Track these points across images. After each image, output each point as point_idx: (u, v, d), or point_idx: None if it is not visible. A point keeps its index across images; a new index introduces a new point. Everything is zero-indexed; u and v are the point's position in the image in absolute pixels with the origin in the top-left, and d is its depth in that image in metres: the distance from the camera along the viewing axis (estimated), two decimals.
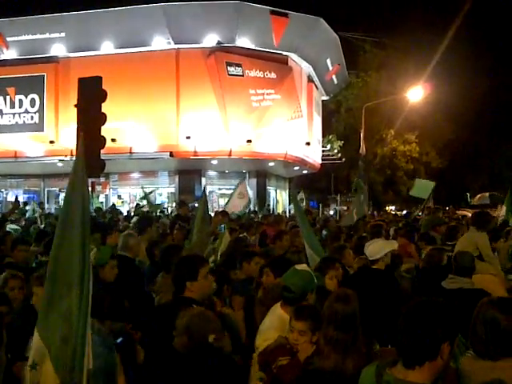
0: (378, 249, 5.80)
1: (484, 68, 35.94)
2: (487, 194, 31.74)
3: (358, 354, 3.18)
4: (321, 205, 29.14)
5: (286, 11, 23.64)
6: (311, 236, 6.87)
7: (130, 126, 23.09)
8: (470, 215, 14.61)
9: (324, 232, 11.52)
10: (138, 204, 20.67)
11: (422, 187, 15.86)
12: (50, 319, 2.70)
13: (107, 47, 23.93)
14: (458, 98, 34.44)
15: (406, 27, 34.64)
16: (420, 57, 32.87)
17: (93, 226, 4.84)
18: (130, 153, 23.28)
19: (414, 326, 2.39)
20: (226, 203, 16.75)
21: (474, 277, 6.41)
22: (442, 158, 37.34)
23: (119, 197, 27.40)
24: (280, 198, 32.33)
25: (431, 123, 34.92)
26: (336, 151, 33.36)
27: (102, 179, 23.12)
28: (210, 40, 23.41)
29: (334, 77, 30.78)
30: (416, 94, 28.28)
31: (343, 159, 33.84)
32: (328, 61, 28.50)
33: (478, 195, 33.24)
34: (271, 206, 27.57)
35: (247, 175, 27.47)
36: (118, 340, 4.03)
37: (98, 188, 22.71)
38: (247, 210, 17.24)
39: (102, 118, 8.93)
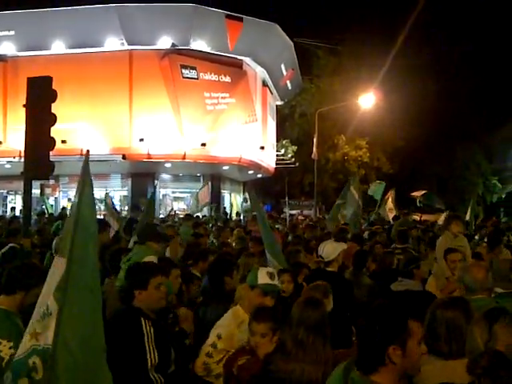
0: (332, 249, 5.94)
1: (433, 76, 36.95)
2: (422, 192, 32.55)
3: (326, 359, 3.18)
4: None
5: (241, 16, 23.73)
6: (271, 239, 6.88)
7: (82, 127, 22.66)
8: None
9: (289, 237, 11.58)
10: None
11: (376, 189, 16.29)
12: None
13: (58, 47, 23.41)
14: (408, 104, 35.29)
15: (358, 35, 35.27)
16: (372, 64, 33.53)
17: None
18: (81, 155, 22.77)
19: (361, 333, 2.43)
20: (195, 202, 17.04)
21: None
22: (392, 164, 38.16)
23: (69, 200, 26.77)
24: (234, 202, 32.34)
25: (382, 129, 35.66)
26: (290, 156, 33.66)
27: (52, 182, 22.54)
28: (165, 42, 23.24)
29: (288, 82, 31.08)
30: (367, 100, 28.82)
31: (297, 164, 34.15)
32: (282, 66, 28.76)
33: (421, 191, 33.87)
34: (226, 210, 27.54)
35: (201, 179, 27.38)
36: None
37: (48, 191, 22.11)
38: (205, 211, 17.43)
39: (52, 119, 8.72)
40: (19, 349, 2.75)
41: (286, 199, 29.44)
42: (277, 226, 14.18)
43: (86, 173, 2.95)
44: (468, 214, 16.00)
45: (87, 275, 2.67)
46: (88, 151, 3.18)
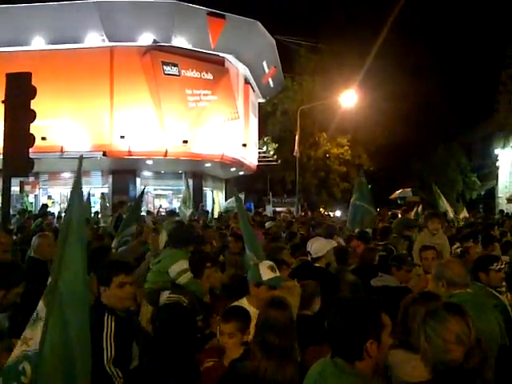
0: (321, 246, 6.00)
1: (414, 75, 37.28)
2: (409, 189, 32.90)
3: (294, 361, 3.18)
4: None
5: (223, 13, 23.67)
6: (251, 238, 6.91)
7: (62, 124, 22.43)
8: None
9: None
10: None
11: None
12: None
13: (38, 42, 23.13)
14: (389, 102, 35.61)
15: (339, 33, 35.58)
16: (353, 62, 33.73)
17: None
18: (61, 152, 22.61)
19: (335, 329, 2.47)
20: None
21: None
22: (374, 161, 38.44)
23: (49, 197, 26.55)
24: (217, 199, 32.30)
25: (363, 127, 35.92)
26: (272, 153, 33.73)
27: (32, 179, 22.30)
28: (146, 39, 23.11)
29: (270, 80, 31.10)
30: (349, 98, 29.00)
31: (279, 161, 34.25)
32: (264, 63, 28.77)
33: (400, 190, 34.23)
34: (209, 208, 27.49)
35: (183, 176, 27.30)
36: None
37: (27, 188, 21.88)
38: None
39: (32, 116, 8.66)
40: (11, 355, 2.75)
41: (270, 196, 29.50)
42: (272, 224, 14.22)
43: (79, 177, 2.94)
44: (449, 210, 16.24)
45: (75, 279, 2.68)
46: (81, 156, 3.18)
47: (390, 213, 17.93)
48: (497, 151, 35.62)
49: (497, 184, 36.39)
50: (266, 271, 4.22)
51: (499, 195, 35.61)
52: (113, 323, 3.38)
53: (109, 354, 3.27)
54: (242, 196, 23.98)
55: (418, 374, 2.69)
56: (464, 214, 19.75)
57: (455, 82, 39.66)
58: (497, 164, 36.04)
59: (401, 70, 36.44)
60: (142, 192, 10.39)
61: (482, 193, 40.23)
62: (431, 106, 40.29)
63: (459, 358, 2.28)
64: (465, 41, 41.97)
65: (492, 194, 37.56)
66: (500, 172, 35.75)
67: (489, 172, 38.60)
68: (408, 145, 39.39)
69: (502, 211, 25.78)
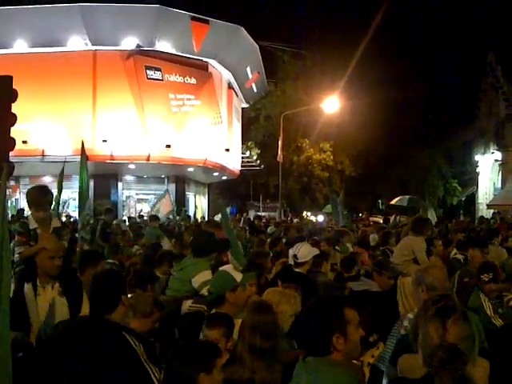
0: (307, 252, 5.99)
1: (396, 81, 37.66)
2: (407, 196, 33.08)
3: (281, 363, 3.20)
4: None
5: (207, 18, 23.71)
6: (234, 241, 6.96)
7: (43, 128, 22.27)
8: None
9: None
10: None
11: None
12: None
13: (20, 46, 22.93)
14: (371, 108, 35.89)
15: (322, 39, 35.84)
16: (336, 68, 33.97)
17: None
18: (43, 155, 22.43)
19: (301, 328, 2.56)
20: (154, 206, 16.96)
21: (408, 279, 6.80)
22: (355, 167, 38.68)
23: None
24: (199, 204, 32.26)
25: (345, 133, 36.13)
26: (255, 158, 33.78)
27: (12, 183, 22.10)
28: (129, 43, 23.05)
29: (253, 85, 31.19)
30: (331, 104, 29.19)
31: (262, 166, 34.32)
32: (248, 69, 28.85)
33: (399, 197, 34.47)
34: (191, 212, 27.42)
35: (166, 180, 27.23)
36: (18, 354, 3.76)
37: (8, 192, 21.65)
38: (171, 217, 17.33)
39: (12, 119, 8.56)
40: None
41: (253, 201, 29.53)
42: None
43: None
44: (433, 216, 16.41)
45: None
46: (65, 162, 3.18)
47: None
48: (477, 157, 36.09)
49: (477, 190, 36.84)
50: (236, 274, 4.22)
51: (479, 201, 36.05)
52: (141, 345, 3.10)
53: (157, 375, 3.02)
54: (229, 209, 23.96)
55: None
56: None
57: (436, 89, 40.13)
58: (477, 170, 36.50)
59: (383, 76, 36.82)
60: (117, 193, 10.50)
61: (463, 198, 40.70)
62: (413, 112, 40.72)
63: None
64: (446, 48, 42.55)
65: (472, 199, 38.01)
66: (480, 178, 36.21)
67: (469, 178, 39.07)
68: (389, 151, 39.76)
69: (482, 217, 26.09)
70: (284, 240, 11.40)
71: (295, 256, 6.05)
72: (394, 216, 16.96)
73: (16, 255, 4.70)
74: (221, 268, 4.42)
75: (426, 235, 8.15)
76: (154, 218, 13.11)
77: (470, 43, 38.68)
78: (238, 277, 4.20)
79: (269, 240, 10.57)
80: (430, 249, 8.07)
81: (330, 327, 2.49)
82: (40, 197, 5.16)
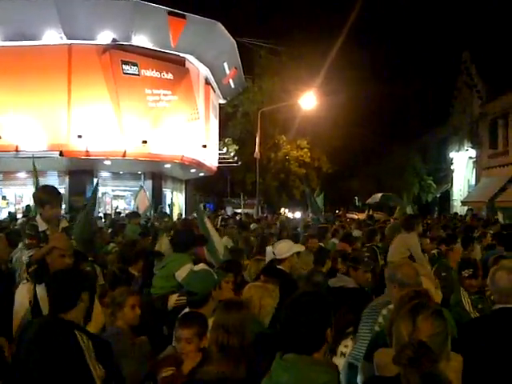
0: (286, 248, 5.98)
1: (372, 79, 38.02)
2: (379, 194, 33.41)
3: (249, 360, 3.22)
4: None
5: (184, 13, 23.55)
6: (210, 242, 6.93)
7: (18, 123, 21.90)
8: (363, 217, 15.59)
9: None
10: (28, 205, 19.69)
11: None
12: None
13: None
14: (348, 105, 36.19)
15: (299, 35, 35.86)
16: (312, 65, 34.11)
17: None
18: (17, 151, 22.06)
19: (298, 320, 2.51)
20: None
21: None
22: (332, 164, 38.92)
23: (4, 197, 25.85)
24: (176, 201, 32.08)
25: (322, 129, 36.33)
26: (232, 154, 33.73)
27: None
28: (105, 37, 22.77)
29: (231, 81, 31.09)
30: (308, 100, 29.26)
31: (239, 163, 34.28)
32: (225, 64, 28.73)
33: (372, 196, 34.90)
34: (168, 209, 27.25)
35: (142, 177, 27.02)
36: None
37: None
38: (148, 214, 17.21)
39: None
40: None
41: (231, 198, 29.51)
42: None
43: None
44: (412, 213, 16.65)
45: None
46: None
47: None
48: (452, 155, 36.55)
49: (451, 187, 37.34)
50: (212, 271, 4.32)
51: (454, 198, 36.55)
52: (90, 342, 3.16)
53: (98, 372, 3.09)
54: (206, 209, 23.90)
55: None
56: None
57: (412, 87, 40.55)
58: (451, 167, 36.98)
59: (359, 73, 37.12)
60: (95, 192, 10.29)
61: (438, 195, 41.20)
62: (388, 109, 41.14)
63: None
64: (421, 47, 42.98)
65: (447, 196, 38.51)
66: (455, 175, 36.70)
67: (444, 175, 39.57)
68: (366, 148, 40.12)
69: (456, 213, 26.47)
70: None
71: (273, 252, 6.05)
72: (366, 212, 17.23)
73: (26, 258, 4.61)
74: (196, 268, 4.38)
75: (418, 231, 8.26)
76: (134, 215, 13.05)
77: (446, 42, 39.13)
78: (214, 274, 4.23)
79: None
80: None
81: (328, 319, 2.56)
82: (55, 194, 5.07)
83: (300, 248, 6.23)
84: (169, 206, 18.06)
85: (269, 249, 6.27)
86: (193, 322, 3.54)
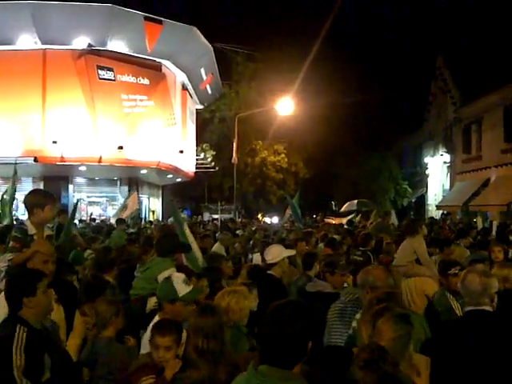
0: (277, 253, 5.98)
1: (348, 85, 38.39)
2: (355, 201, 33.64)
3: (228, 362, 3.24)
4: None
5: (161, 18, 23.50)
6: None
7: None
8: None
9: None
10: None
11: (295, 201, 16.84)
12: None
13: None
14: (324, 111, 36.47)
15: (275, 41, 36.16)
16: (289, 71, 34.30)
17: None
18: None
19: (280, 331, 2.35)
20: (121, 210, 16.79)
21: (413, 279, 6.91)
22: (309, 169, 39.12)
23: None
24: (153, 207, 31.91)
25: (299, 135, 36.52)
26: (209, 160, 33.68)
27: None
28: (81, 42, 22.60)
29: (207, 86, 31.09)
30: (285, 106, 29.38)
31: (216, 168, 34.25)
32: (202, 70, 28.73)
33: (347, 203, 35.13)
34: (144, 215, 27.08)
35: (118, 183, 26.81)
36: None
37: None
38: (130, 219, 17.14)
39: None
40: None
41: (208, 203, 29.44)
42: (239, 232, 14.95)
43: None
44: (395, 218, 16.78)
45: None
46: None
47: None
48: (427, 159, 36.95)
49: (426, 191, 37.73)
50: (181, 287, 4.02)
51: (429, 202, 36.96)
52: (25, 335, 3.29)
53: (18, 362, 3.19)
54: (184, 214, 23.80)
55: None
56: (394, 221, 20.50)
57: (388, 92, 41.05)
58: (426, 172, 37.40)
59: (335, 79, 37.48)
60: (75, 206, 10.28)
61: (413, 200, 41.61)
62: (365, 115, 41.54)
63: None
64: (397, 53, 43.58)
65: (422, 201, 38.92)
66: (430, 180, 37.11)
67: (419, 180, 39.97)
68: (342, 153, 40.44)
69: (432, 218, 26.76)
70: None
71: (264, 257, 6.07)
72: (350, 216, 17.41)
73: (3, 265, 4.48)
74: (173, 275, 4.33)
75: (423, 233, 8.34)
76: (121, 221, 13.02)
77: (420, 48, 39.73)
78: (184, 290, 4.00)
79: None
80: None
81: (310, 332, 2.39)
82: (44, 197, 4.96)
83: (291, 252, 6.25)
84: (147, 212, 18.01)
85: (255, 256, 6.30)
86: (171, 329, 3.51)
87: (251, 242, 11.90)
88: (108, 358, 4.03)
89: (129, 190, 26.36)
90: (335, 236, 11.57)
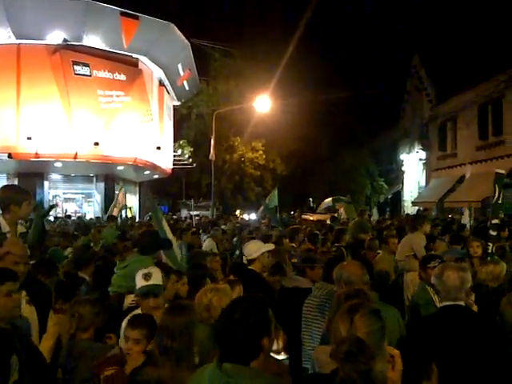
0: (254, 248, 5.97)
1: (325, 83, 38.50)
2: (330, 199, 33.81)
3: (191, 363, 3.21)
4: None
5: (137, 14, 23.30)
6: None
7: None
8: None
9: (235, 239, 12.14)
10: None
11: (272, 197, 16.79)
12: None
13: None
14: (302, 108, 36.57)
15: (253, 38, 36.09)
16: (266, 68, 34.33)
17: None
18: None
19: (229, 330, 2.41)
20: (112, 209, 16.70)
21: (410, 274, 7.06)
22: (287, 166, 39.24)
23: None
24: (130, 203, 31.64)
25: (277, 132, 36.60)
26: (187, 156, 33.55)
27: None
28: (56, 37, 22.28)
29: (185, 82, 30.93)
30: (263, 103, 29.42)
31: (194, 165, 34.13)
32: (179, 66, 28.55)
33: (324, 201, 35.26)
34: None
35: (95, 179, 26.56)
36: None
37: None
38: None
39: None
40: None
41: (186, 200, 29.30)
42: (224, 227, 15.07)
43: None
44: (376, 214, 16.96)
45: None
46: None
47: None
48: (402, 156, 37.34)
49: (402, 188, 38.14)
50: (140, 279, 4.23)
51: (405, 198, 37.36)
52: None
53: None
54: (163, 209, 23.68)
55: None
56: (375, 217, 20.78)
57: (364, 89, 41.27)
58: (402, 169, 37.80)
59: (311, 77, 37.61)
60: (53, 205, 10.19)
61: (389, 196, 42.05)
62: (341, 112, 41.78)
63: None
64: (373, 51, 43.88)
65: (398, 197, 39.34)
66: (405, 176, 37.52)
67: (395, 176, 40.40)
68: (319, 150, 40.62)
69: (408, 214, 27.04)
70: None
71: (243, 254, 6.07)
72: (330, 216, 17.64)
73: None
74: (142, 269, 4.37)
75: (424, 230, 8.42)
76: (111, 218, 12.94)
77: (397, 45, 40.04)
78: (140, 283, 4.21)
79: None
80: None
81: (264, 327, 2.45)
82: (21, 193, 4.83)
83: (269, 247, 6.25)
84: (125, 209, 17.86)
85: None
86: (143, 323, 3.55)
87: (234, 240, 11.96)
88: (92, 362, 3.97)
89: (105, 187, 26.21)
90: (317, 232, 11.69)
